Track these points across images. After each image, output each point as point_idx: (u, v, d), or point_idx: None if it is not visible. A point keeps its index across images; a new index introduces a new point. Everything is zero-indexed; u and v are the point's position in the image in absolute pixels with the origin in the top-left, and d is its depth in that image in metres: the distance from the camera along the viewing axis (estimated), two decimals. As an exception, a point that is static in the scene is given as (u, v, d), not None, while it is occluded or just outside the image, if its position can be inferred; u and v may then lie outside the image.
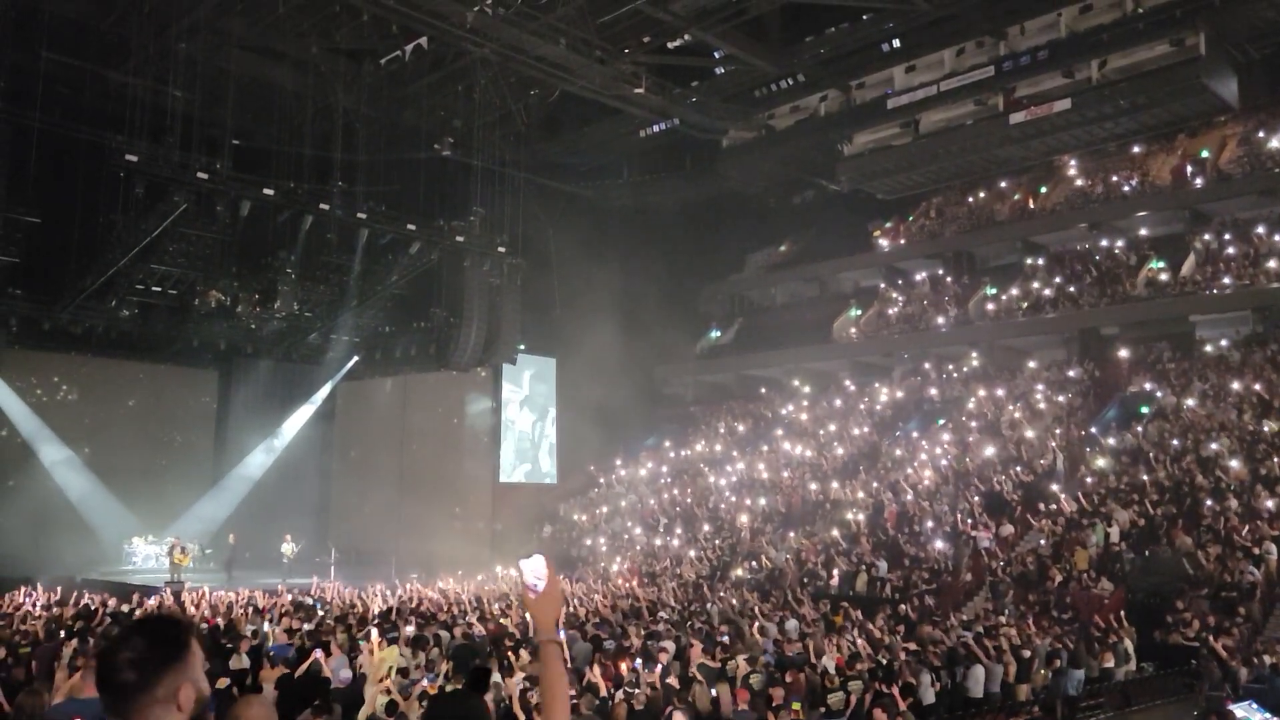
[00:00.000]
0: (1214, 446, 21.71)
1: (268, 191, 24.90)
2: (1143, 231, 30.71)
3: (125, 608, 16.71)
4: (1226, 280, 26.72)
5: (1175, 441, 22.74)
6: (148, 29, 24.82)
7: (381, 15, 24.77)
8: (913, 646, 14.25)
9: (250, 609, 16.87)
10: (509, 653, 12.18)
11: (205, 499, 30.40)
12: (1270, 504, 18.95)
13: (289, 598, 19.01)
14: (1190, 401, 24.20)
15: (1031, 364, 29.98)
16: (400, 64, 27.20)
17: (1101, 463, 23.35)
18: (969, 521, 22.45)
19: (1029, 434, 25.81)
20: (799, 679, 11.50)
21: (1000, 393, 28.98)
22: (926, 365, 32.51)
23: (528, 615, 2.66)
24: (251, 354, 31.53)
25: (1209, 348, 26.27)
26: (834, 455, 29.64)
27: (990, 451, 25.60)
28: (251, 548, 28.14)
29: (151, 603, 17.92)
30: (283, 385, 32.55)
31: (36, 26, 23.63)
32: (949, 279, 33.96)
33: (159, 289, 25.92)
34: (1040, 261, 31.96)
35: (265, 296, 27.12)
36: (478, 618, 15.85)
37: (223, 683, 11.00)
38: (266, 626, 14.23)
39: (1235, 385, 24.08)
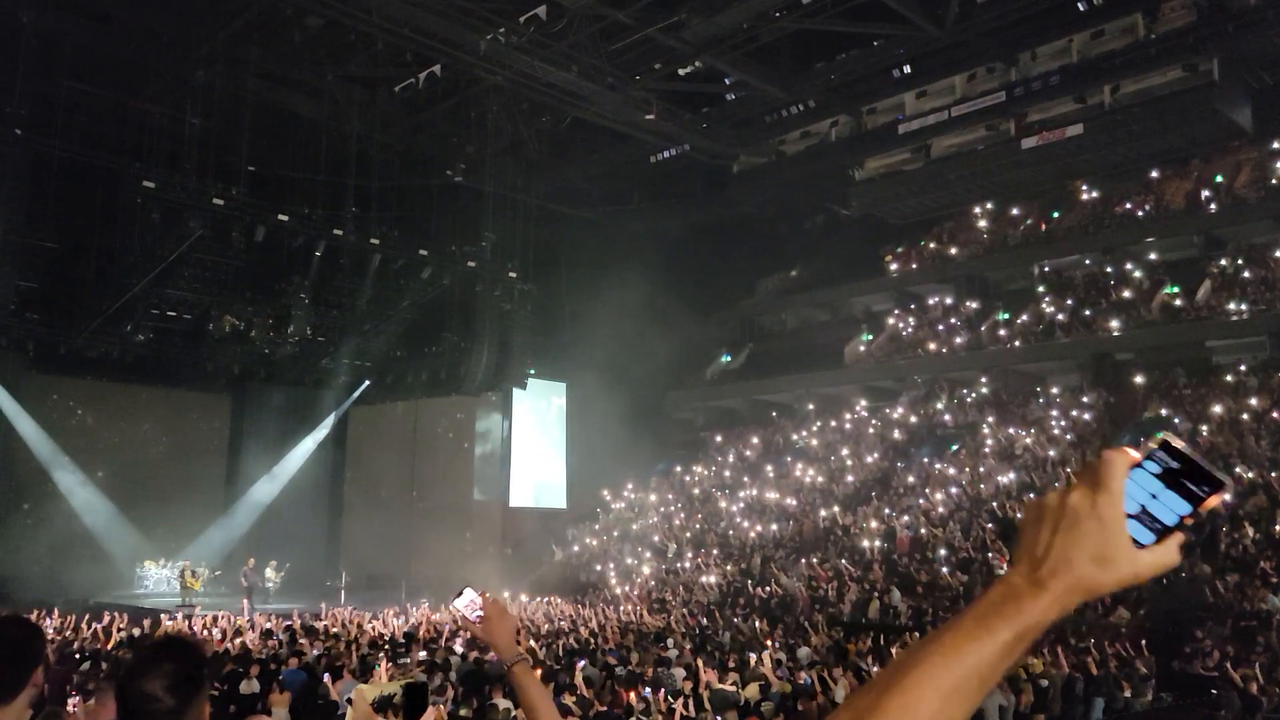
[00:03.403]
0: (1232, 472, 21.51)
1: (282, 217, 25.14)
2: (1156, 256, 30.61)
3: (137, 631, 16.69)
4: (1243, 306, 26.57)
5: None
6: (166, 58, 25.21)
7: (395, 43, 25.06)
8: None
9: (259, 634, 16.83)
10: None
11: (218, 523, 30.46)
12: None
13: (298, 622, 18.95)
14: (1206, 428, 23.99)
15: (1046, 389, 29.79)
16: (414, 91, 27.49)
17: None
18: (988, 551, 22.26)
19: (1044, 458, 25.61)
20: (810, 708, 11.37)
21: (1014, 418, 28.80)
22: (939, 390, 32.36)
23: (486, 644, 2.60)
24: (265, 379, 31.70)
25: (1229, 377, 26.02)
26: (846, 481, 29.48)
27: (1005, 478, 25.41)
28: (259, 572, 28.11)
29: (169, 625, 17.89)
30: (295, 410, 32.71)
31: (57, 56, 24.00)
32: (961, 304, 33.88)
33: (174, 314, 26.14)
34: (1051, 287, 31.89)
35: (279, 321, 27.32)
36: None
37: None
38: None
39: (1252, 410, 23.88)
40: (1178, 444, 1.04)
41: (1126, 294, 29.67)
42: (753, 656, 14.25)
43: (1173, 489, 1.03)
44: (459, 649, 15.18)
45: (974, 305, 33.41)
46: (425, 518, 31.60)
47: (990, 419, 29.04)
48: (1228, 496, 1.04)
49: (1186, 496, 1.03)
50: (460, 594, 2.61)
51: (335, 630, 17.23)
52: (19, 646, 2.43)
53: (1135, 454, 1.04)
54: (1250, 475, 21.19)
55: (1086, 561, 1.03)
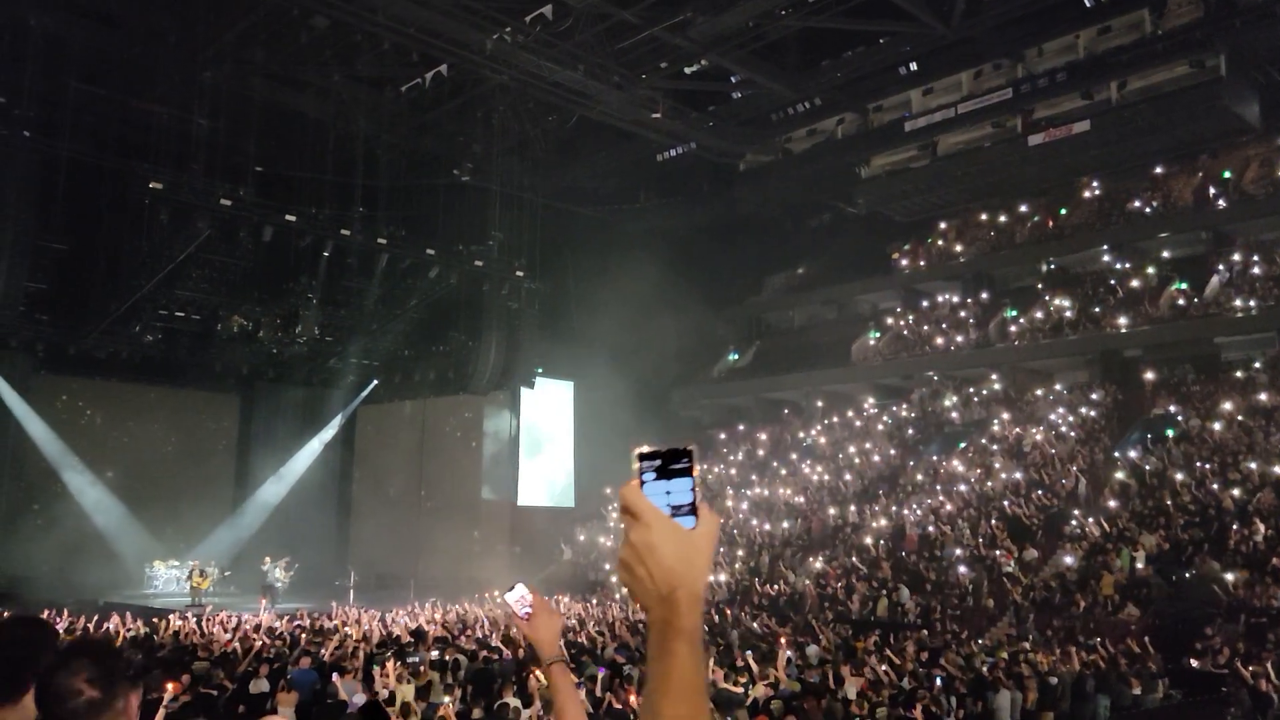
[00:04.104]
0: (1242, 469, 21.44)
1: (290, 218, 25.19)
2: (1165, 253, 30.51)
3: (146, 631, 16.75)
4: (1251, 302, 26.48)
5: (1202, 464, 22.46)
6: (173, 59, 25.27)
7: (402, 43, 25.10)
8: (938, 672, 14.09)
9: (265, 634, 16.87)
10: (530, 678, 12.09)
11: (227, 523, 30.54)
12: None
13: (305, 622, 18.98)
14: (1216, 424, 23.91)
15: (1054, 387, 29.72)
16: (420, 91, 27.52)
17: (1121, 475, 23.14)
18: (996, 549, 22.22)
19: (1052, 454, 25.57)
20: (817, 706, 11.36)
21: (1022, 415, 28.75)
22: (947, 388, 32.30)
23: (530, 641, 2.69)
24: (273, 379, 31.79)
25: (1240, 373, 25.89)
26: (854, 479, 29.45)
27: (1013, 475, 25.36)
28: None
29: (179, 624, 17.92)
30: (303, 409, 32.81)
31: (65, 58, 24.07)
32: (969, 301, 33.82)
33: (182, 314, 26.24)
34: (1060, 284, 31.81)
35: (287, 321, 27.39)
36: (501, 640, 15.74)
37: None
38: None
39: (1261, 406, 23.79)
40: (647, 448, 1.33)
41: (1134, 287, 29.60)
42: (748, 655, 14.21)
43: (674, 478, 1.31)
44: (469, 647, 15.21)
45: (981, 302, 33.36)
46: (433, 517, 31.64)
47: (999, 416, 28.99)
48: (694, 449, 1.31)
49: (684, 474, 1.31)
50: (512, 588, 2.67)
51: (346, 629, 17.25)
52: (23, 646, 2.43)
53: (634, 478, 1.32)
54: (1259, 471, 21.15)
55: (679, 564, 1.30)
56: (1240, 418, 23.80)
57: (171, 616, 19.08)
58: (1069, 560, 20.69)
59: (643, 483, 1.31)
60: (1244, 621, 17.02)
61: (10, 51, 23.32)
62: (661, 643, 1.29)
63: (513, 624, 2.66)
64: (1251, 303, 26.45)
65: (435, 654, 14.13)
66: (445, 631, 17.63)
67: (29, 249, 24.28)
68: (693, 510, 1.30)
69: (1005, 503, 24.15)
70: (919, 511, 25.56)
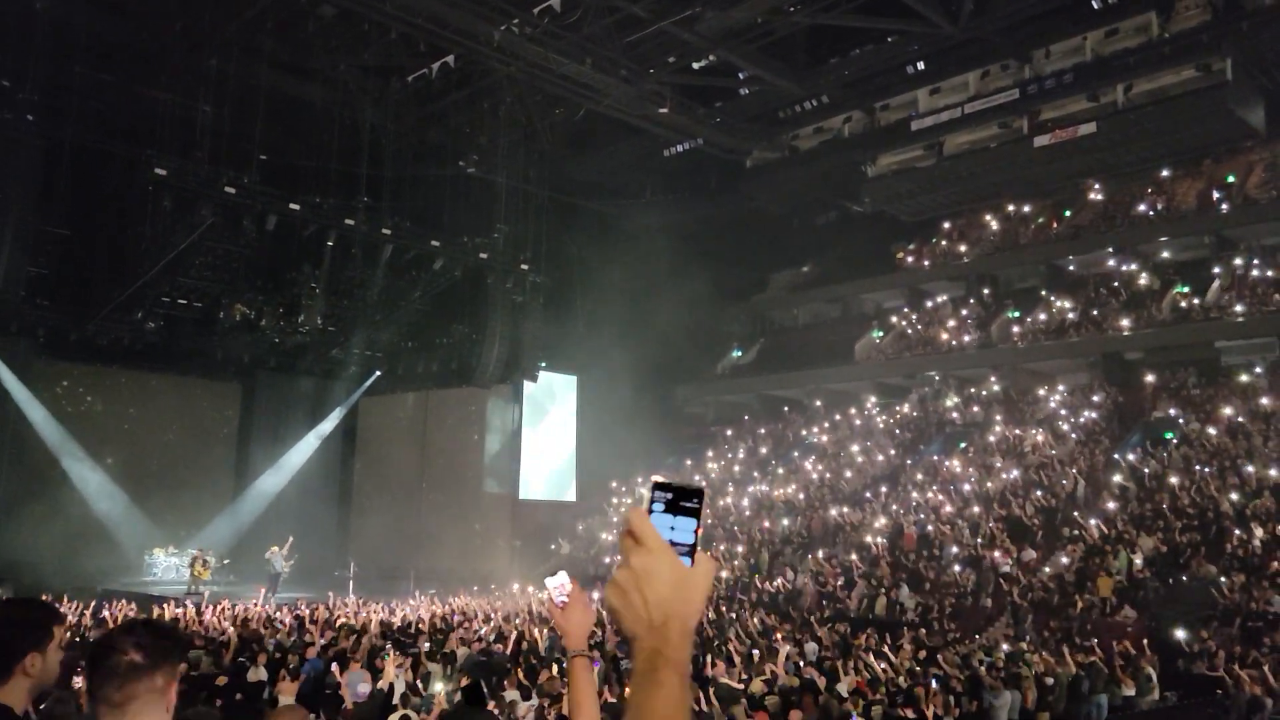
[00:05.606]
0: (1240, 473, 21.45)
1: (294, 206, 25.14)
2: (1167, 256, 30.50)
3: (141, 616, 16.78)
4: (1252, 307, 26.44)
5: (1200, 468, 22.47)
6: (179, 46, 25.24)
7: (409, 33, 25.08)
8: (935, 671, 14.11)
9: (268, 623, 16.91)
10: (523, 669, 12.12)
11: (226, 512, 30.55)
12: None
13: (306, 612, 19.02)
14: (1213, 429, 23.91)
15: (1055, 388, 29.72)
16: (427, 81, 27.51)
17: (1120, 477, 23.16)
18: (995, 549, 22.24)
19: (1052, 455, 25.58)
20: (814, 703, 11.38)
21: (1023, 416, 28.75)
22: (949, 388, 32.30)
23: (559, 629, 2.69)
24: (275, 368, 31.77)
25: (1244, 376, 25.87)
26: (855, 477, 29.47)
27: (1012, 475, 25.38)
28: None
29: (178, 612, 17.97)
30: (305, 399, 32.79)
31: (70, 43, 24.04)
32: (972, 301, 33.81)
33: (185, 302, 26.18)
34: (1063, 285, 31.79)
35: (289, 311, 27.36)
36: (497, 634, 15.80)
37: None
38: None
39: (1261, 410, 23.79)
40: (662, 479, 1.32)
41: (1139, 286, 29.58)
42: (755, 652, 14.26)
43: (680, 515, 1.30)
44: (464, 639, 15.25)
45: (984, 303, 33.34)
46: (435, 509, 31.67)
47: (999, 417, 29.00)
48: (705, 490, 1.32)
49: (691, 514, 1.31)
50: (555, 574, 2.72)
51: (345, 620, 17.30)
52: (15, 627, 2.40)
53: (645, 505, 1.31)
54: (1258, 476, 21.16)
55: (674, 596, 1.30)
56: (1241, 420, 23.81)
57: (169, 604, 19.14)
58: (1066, 561, 20.73)
59: (651, 511, 1.31)
60: (1240, 625, 17.05)
61: (15, 36, 23.25)
62: (650, 673, 1.29)
63: (548, 610, 2.69)
64: (1250, 307, 26.43)
65: (429, 645, 14.18)
66: (444, 623, 17.67)
67: (31, 234, 24.26)
68: (691, 552, 1.30)
69: (1004, 503, 24.14)
70: (919, 510, 25.59)
